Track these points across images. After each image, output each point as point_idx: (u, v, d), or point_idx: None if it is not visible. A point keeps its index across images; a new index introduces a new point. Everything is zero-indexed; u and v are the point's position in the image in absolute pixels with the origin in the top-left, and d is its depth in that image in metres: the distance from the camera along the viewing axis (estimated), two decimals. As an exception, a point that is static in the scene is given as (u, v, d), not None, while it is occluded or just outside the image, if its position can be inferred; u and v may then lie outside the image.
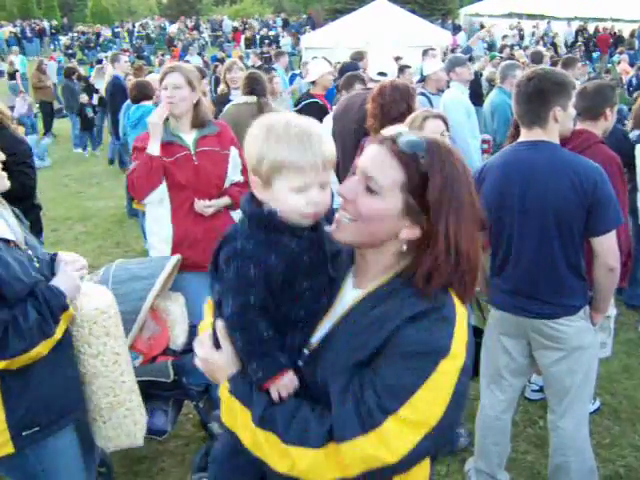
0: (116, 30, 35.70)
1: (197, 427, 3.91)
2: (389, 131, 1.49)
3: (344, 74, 6.12)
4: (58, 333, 2.25)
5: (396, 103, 3.89)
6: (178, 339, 3.39)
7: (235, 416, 1.47)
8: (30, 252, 2.34)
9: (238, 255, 1.44)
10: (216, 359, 1.53)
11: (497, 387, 3.16)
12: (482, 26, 31.38)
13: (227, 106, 5.64)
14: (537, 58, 10.36)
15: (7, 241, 2.23)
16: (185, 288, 3.56)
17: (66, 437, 2.43)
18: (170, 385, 3.24)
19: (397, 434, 1.34)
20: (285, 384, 1.46)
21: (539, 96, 2.76)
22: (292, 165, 1.42)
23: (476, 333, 3.49)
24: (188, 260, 3.51)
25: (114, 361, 2.51)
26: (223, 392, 1.50)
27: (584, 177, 2.70)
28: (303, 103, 6.70)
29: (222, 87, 7.00)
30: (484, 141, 6.24)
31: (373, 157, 1.46)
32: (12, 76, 18.25)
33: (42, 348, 2.20)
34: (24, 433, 2.26)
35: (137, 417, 2.65)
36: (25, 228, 2.44)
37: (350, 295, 1.53)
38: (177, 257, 3.40)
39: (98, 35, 34.43)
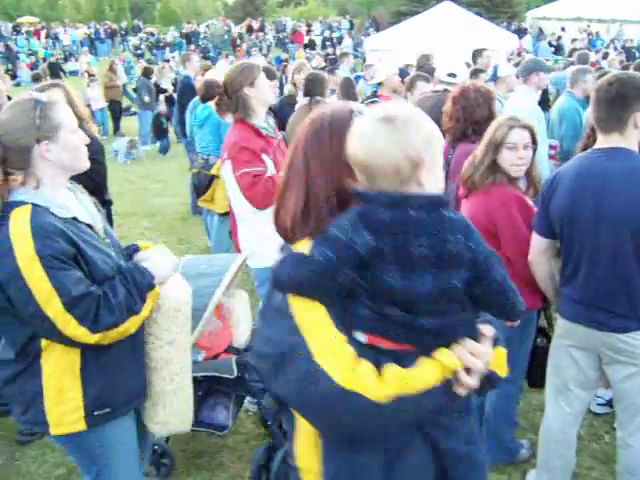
0: (183, 31, 36.49)
1: (257, 424, 3.95)
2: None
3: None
4: (145, 311, 2.30)
5: (480, 106, 3.88)
6: (242, 337, 3.43)
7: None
8: (108, 240, 2.42)
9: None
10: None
11: (563, 399, 3.07)
12: (541, 31, 30.69)
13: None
14: (582, 59, 10.12)
15: (89, 226, 2.32)
16: None
17: (127, 423, 2.50)
18: (233, 381, 3.28)
19: None
20: None
21: (620, 101, 2.67)
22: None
23: (544, 334, 3.44)
24: None
25: (185, 348, 2.54)
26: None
27: (663, 187, 2.60)
28: (365, 103, 6.68)
29: (290, 88, 7.02)
30: (551, 147, 6.09)
31: None
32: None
33: (130, 325, 2.25)
34: (96, 412, 2.32)
35: (191, 403, 2.66)
36: (103, 218, 2.51)
37: None
38: (245, 255, 3.43)
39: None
